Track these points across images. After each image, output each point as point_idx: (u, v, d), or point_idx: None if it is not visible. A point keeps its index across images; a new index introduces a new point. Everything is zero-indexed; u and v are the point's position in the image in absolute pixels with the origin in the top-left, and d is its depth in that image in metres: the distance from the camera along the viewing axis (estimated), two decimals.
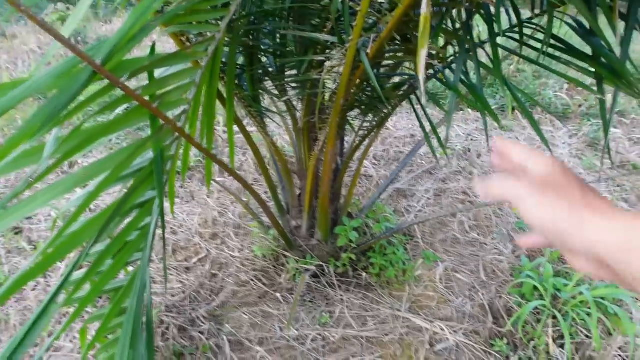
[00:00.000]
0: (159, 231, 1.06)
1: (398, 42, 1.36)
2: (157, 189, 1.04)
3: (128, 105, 1.01)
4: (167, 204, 1.20)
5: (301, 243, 1.85)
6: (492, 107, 3.40)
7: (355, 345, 1.53)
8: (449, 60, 1.53)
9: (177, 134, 1.10)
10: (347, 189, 1.89)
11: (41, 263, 0.90)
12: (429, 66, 1.51)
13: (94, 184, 0.99)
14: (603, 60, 1.27)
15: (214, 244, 2.05)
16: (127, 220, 1.11)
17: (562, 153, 2.87)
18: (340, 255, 1.83)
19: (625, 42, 1.21)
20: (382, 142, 2.92)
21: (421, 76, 0.66)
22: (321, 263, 1.82)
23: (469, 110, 3.50)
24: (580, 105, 3.46)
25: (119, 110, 1.07)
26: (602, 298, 1.67)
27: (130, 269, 1.11)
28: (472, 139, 3.06)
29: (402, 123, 3.28)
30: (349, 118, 1.72)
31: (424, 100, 1.14)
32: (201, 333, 1.57)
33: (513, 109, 3.41)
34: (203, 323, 1.61)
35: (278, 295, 1.73)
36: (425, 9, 0.61)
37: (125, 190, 1.04)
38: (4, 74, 5.16)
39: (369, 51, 1.17)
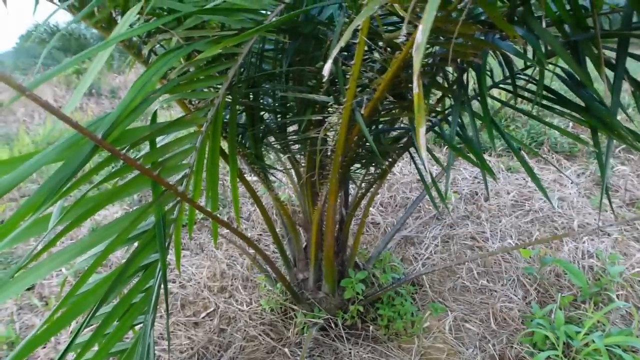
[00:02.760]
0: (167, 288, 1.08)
1: (392, 100, 1.40)
2: (160, 253, 1.07)
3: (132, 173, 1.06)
4: (174, 257, 1.21)
5: (308, 296, 1.85)
6: (499, 149, 3.42)
7: None
8: (446, 112, 1.57)
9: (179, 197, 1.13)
10: (354, 236, 1.89)
11: (51, 327, 0.92)
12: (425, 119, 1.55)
13: (102, 246, 1.02)
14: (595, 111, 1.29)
15: (222, 297, 2.05)
16: (134, 280, 1.14)
17: (570, 193, 2.86)
18: (348, 307, 1.82)
19: (615, 92, 1.23)
20: (389, 189, 2.94)
21: (423, 152, 0.66)
22: (329, 316, 1.81)
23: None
24: (586, 143, 3.47)
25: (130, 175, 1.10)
26: (617, 345, 1.63)
27: (139, 326, 1.12)
28: (478, 182, 3.06)
29: (408, 168, 3.30)
30: (351, 171, 1.76)
31: (426, 163, 1.17)
32: None
33: (519, 150, 3.42)
34: None
35: (286, 350, 1.72)
36: (417, 89, 0.63)
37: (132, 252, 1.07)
38: (21, 127, 5.33)
39: (363, 111, 1.21)
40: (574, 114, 1.35)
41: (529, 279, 2.09)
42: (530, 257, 2.20)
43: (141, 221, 1.08)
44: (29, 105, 6.60)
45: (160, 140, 1.22)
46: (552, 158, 3.37)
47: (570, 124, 3.77)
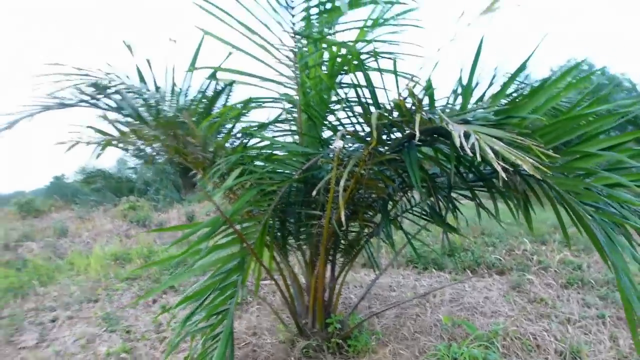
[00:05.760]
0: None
1: (353, 213, 2.87)
2: (241, 273, 2.46)
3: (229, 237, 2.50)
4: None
5: (307, 332, 3.12)
6: (450, 267, 4.78)
7: None
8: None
9: (250, 252, 2.55)
10: (337, 296, 3.21)
11: (186, 299, 2.29)
12: (371, 227, 3.02)
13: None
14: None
15: (255, 337, 3.32)
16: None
17: (493, 294, 4.15)
18: (331, 339, 3.08)
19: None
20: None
21: (342, 213, 2.08)
22: (319, 343, 3.07)
23: (433, 269, 4.92)
24: (514, 263, 4.87)
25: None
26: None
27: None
28: (432, 287, 4.39)
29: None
30: (338, 255, 3.18)
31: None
32: None
33: (464, 269, 4.80)
34: None
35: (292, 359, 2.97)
36: (342, 211, 2.07)
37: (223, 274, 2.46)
38: (95, 244, 6.85)
39: (335, 218, 2.67)
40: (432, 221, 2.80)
41: (447, 332, 3.33)
42: (449, 323, 3.45)
43: (232, 259, 2.49)
44: (91, 230, 8.21)
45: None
46: (486, 272, 4.72)
47: (504, 251, 5.19)
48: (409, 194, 3.01)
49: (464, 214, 2.94)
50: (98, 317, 4.05)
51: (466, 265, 4.93)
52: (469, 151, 1.50)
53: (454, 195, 2.90)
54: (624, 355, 3.16)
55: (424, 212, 3.02)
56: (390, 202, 2.94)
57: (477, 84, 2.32)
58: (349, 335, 3.15)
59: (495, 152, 1.51)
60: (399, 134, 2.36)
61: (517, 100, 2.10)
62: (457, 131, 1.54)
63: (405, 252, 5.29)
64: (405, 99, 1.98)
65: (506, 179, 1.41)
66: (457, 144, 1.51)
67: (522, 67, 2.13)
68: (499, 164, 1.44)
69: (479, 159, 1.46)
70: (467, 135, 1.58)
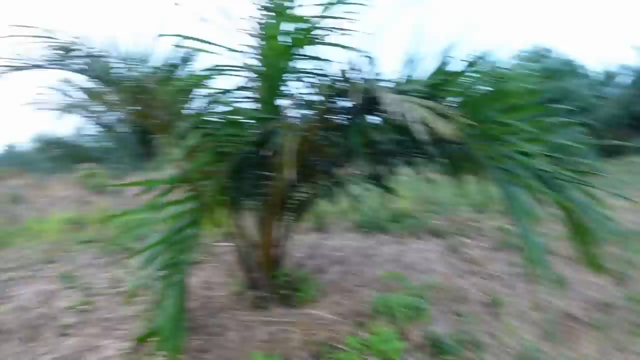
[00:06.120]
0: None
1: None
2: (196, 227, 2.68)
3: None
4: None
5: (258, 285, 3.40)
6: (396, 232, 5.15)
7: (278, 324, 3.03)
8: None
9: (205, 208, 2.77)
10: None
11: (145, 249, 2.51)
12: (319, 190, 3.30)
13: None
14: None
15: (210, 290, 3.58)
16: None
17: (431, 255, 4.56)
18: (279, 291, 3.37)
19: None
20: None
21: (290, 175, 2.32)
22: (268, 294, 3.35)
23: (379, 233, 5.29)
24: (454, 228, 5.35)
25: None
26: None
27: None
28: (368, 247, 4.77)
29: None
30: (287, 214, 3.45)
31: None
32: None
33: (407, 233, 5.19)
34: (202, 317, 3.10)
35: (243, 310, 3.25)
36: (289, 174, 2.31)
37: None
38: (52, 210, 6.88)
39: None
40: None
41: (385, 286, 3.69)
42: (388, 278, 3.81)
43: (188, 214, 2.71)
44: (47, 196, 8.19)
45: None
46: (427, 236, 5.16)
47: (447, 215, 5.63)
48: (354, 159, 3.30)
49: (412, 184, 3.26)
50: (57, 276, 4.19)
51: (409, 229, 5.33)
52: (395, 116, 1.78)
53: (395, 162, 3.21)
54: (537, 305, 3.61)
55: (367, 177, 3.32)
56: (337, 167, 3.22)
57: (422, 59, 2.60)
58: (295, 287, 3.45)
59: (421, 119, 1.80)
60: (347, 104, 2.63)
61: (447, 77, 2.39)
62: (386, 98, 1.81)
63: (353, 217, 5.64)
64: (348, 70, 2.25)
65: (423, 139, 1.70)
66: (386, 109, 1.79)
67: (446, 55, 2.43)
68: (419, 126, 1.73)
69: (400, 121, 1.74)
70: (397, 103, 1.86)
